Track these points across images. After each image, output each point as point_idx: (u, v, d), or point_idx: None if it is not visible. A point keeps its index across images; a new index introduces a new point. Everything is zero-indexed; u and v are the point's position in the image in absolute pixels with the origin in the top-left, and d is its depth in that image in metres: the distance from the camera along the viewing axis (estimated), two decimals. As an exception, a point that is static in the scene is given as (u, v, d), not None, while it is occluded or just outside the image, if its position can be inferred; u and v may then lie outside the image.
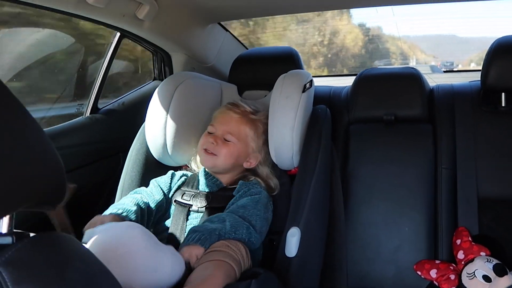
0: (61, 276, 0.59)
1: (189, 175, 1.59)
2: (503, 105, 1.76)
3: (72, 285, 0.60)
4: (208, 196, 1.46)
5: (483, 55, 1.82)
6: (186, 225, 1.42)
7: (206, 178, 1.52)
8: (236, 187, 1.47)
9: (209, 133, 1.53)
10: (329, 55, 11.13)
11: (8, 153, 0.59)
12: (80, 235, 1.16)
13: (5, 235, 0.65)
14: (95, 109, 1.97)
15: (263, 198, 1.43)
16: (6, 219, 0.67)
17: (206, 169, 1.54)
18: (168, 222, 1.46)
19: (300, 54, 2.00)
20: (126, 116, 2.07)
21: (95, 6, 1.46)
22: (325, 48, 10.90)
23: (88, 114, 1.96)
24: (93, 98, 1.96)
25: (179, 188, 1.53)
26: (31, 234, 0.67)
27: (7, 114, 0.61)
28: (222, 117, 1.56)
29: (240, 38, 2.44)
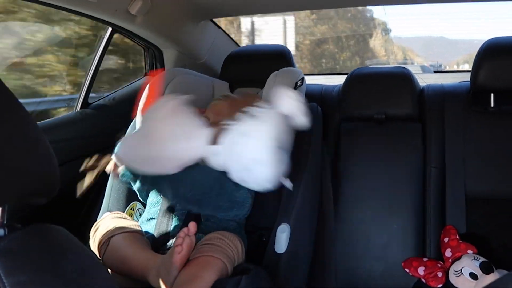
0: (54, 267, 0.59)
1: None
2: (492, 105, 1.78)
3: (65, 276, 0.60)
4: None
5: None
6: (173, 215, 1.42)
7: None
8: None
9: None
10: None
11: (0, 145, 0.59)
12: (70, 229, 1.16)
13: None
14: (85, 104, 1.97)
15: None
16: None
17: None
18: (154, 213, 1.46)
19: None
20: (116, 112, 2.06)
21: (88, 1, 1.45)
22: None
23: (78, 109, 1.95)
24: (84, 93, 1.95)
25: None
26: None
27: (0, 107, 0.61)
28: (214, 106, 1.56)
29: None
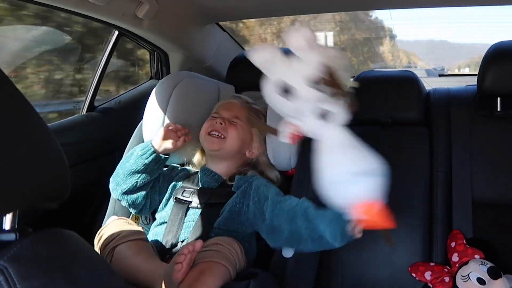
0: (67, 272, 0.59)
1: (191, 170, 1.59)
2: (498, 109, 1.77)
3: (77, 281, 0.60)
4: (208, 193, 1.46)
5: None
6: (184, 221, 1.42)
7: (206, 175, 1.52)
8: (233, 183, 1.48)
9: (214, 117, 1.54)
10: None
11: (12, 149, 0.59)
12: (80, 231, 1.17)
13: (8, 231, 0.65)
14: (91, 107, 1.97)
15: (265, 183, 1.45)
16: (9, 216, 0.66)
17: (209, 157, 1.56)
18: (165, 216, 1.46)
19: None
20: (122, 115, 2.07)
21: (96, 4, 1.46)
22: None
23: (84, 112, 1.95)
24: (90, 96, 1.95)
25: (180, 181, 1.54)
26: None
27: (12, 110, 0.61)
28: (226, 104, 1.57)
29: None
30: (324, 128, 1.13)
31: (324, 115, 1.13)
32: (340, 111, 1.13)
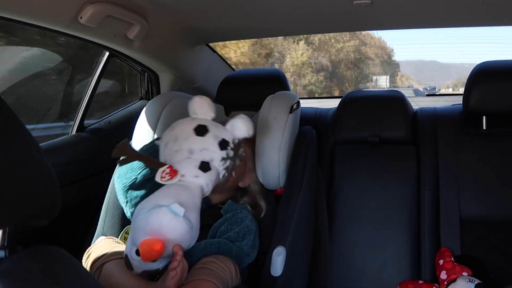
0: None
1: None
2: (484, 128, 1.80)
3: None
4: None
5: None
6: None
7: None
8: (223, 206, 1.47)
9: None
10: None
11: (1, 166, 0.60)
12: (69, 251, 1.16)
13: None
14: (81, 127, 1.97)
15: (249, 224, 1.41)
16: None
17: None
18: None
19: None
20: (112, 135, 2.07)
21: (87, 26, 1.47)
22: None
23: (74, 132, 1.95)
24: (80, 117, 1.95)
25: None
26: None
27: (3, 129, 0.62)
28: None
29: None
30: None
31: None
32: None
